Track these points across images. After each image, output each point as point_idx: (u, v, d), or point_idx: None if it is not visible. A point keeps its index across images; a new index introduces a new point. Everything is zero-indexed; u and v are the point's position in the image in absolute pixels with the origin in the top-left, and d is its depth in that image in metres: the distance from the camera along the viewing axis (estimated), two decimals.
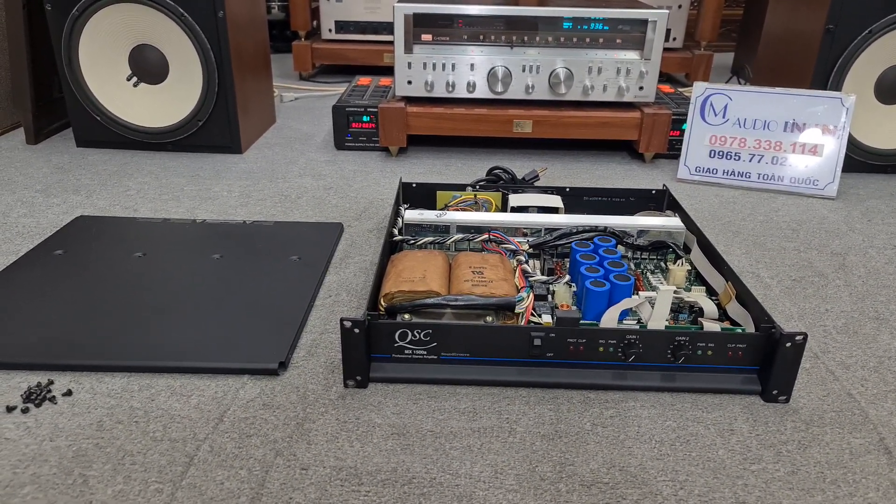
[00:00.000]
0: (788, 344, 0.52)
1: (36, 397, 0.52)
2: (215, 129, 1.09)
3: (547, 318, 0.58)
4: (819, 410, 0.54)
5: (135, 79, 1.08)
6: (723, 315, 0.61)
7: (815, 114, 0.99)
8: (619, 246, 0.70)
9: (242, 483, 0.45)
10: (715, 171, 1.04)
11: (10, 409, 0.51)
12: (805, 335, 0.52)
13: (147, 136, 1.09)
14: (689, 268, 0.68)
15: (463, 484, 0.46)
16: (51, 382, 0.54)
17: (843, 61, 1.02)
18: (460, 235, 0.71)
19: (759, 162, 1.02)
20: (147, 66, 1.07)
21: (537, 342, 0.54)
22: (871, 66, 1.03)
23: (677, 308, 0.62)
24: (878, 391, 0.57)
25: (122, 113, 1.08)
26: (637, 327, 0.57)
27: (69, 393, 0.53)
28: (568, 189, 0.83)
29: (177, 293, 0.66)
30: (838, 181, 0.98)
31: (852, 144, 1.05)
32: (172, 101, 1.08)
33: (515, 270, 0.64)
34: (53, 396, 0.52)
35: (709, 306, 0.60)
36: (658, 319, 0.57)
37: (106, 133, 1.10)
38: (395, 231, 0.72)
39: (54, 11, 1.02)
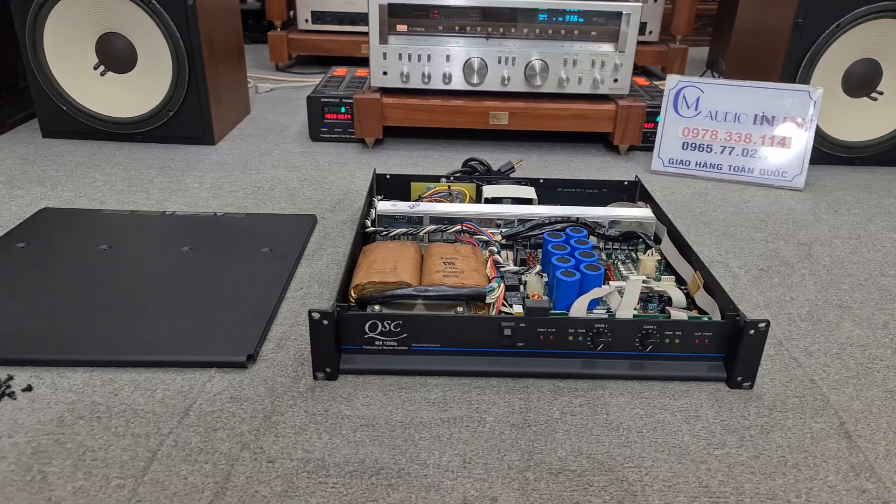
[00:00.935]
0: (752, 331, 0.53)
1: None
2: (187, 119, 1.07)
3: (518, 309, 0.58)
4: (782, 396, 0.55)
5: (102, 67, 1.05)
6: (691, 304, 0.62)
7: (784, 107, 1.00)
8: (590, 236, 0.70)
9: (207, 477, 0.44)
10: (688, 163, 1.05)
11: None
12: (767, 322, 0.53)
13: (115, 127, 1.07)
14: (660, 258, 0.69)
15: (431, 474, 0.46)
16: (10, 378, 0.52)
17: (811, 55, 1.03)
18: (433, 227, 0.71)
19: (730, 154, 1.03)
20: (115, 55, 1.04)
21: (508, 332, 0.54)
22: (839, 60, 1.05)
23: (647, 297, 0.63)
24: (840, 377, 0.58)
25: (90, 103, 1.06)
26: (606, 316, 0.57)
27: (29, 388, 0.51)
28: (542, 180, 0.83)
29: (143, 286, 0.65)
30: (806, 173, 1.00)
31: (820, 137, 1.07)
32: (141, 90, 1.06)
33: (487, 261, 0.64)
34: (13, 392, 0.51)
35: (677, 295, 0.61)
36: (626, 308, 0.57)
37: (73, 123, 1.07)
38: (368, 222, 0.71)
39: None
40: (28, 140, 1.08)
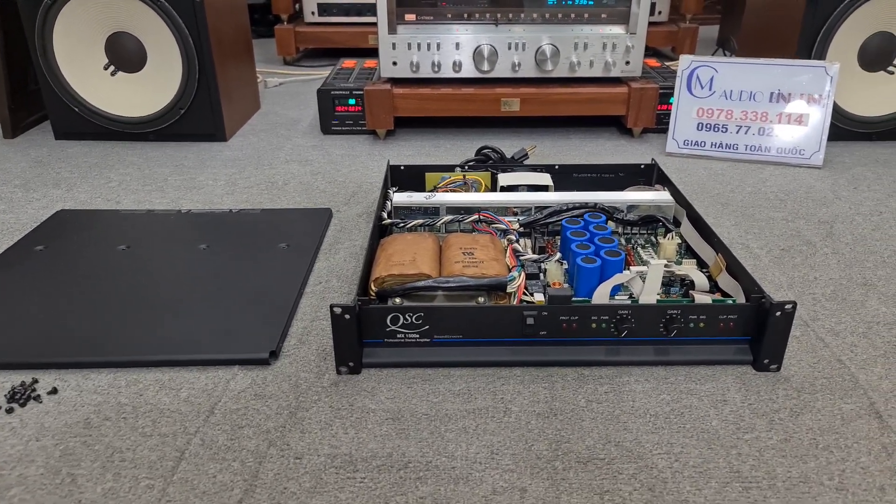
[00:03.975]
0: (778, 313, 0.52)
1: (20, 397, 0.51)
2: (198, 116, 1.07)
3: (539, 297, 0.57)
4: (810, 378, 0.54)
5: (112, 67, 1.05)
6: (714, 287, 0.61)
7: (800, 83, 0.98)
8: (609, 221, 0.69)
9: (235, 475, 0.45)
10: (703, 144, 1.04)
11: None
12: (794, 303, 0.52)
13: (128, 127, 1.07)
14: (680, 241, 0.68)
15: (459, 466, 0.45)
16: (35, 381, 0.53)
17: (826, 30, 1.01)
18: (450, 217, 0.70)
19: (746, 133, 1.02)
20: (124, 54, 1.04)
21: (530, 321, 0.54)
22: (854, 34, 1.03)
23: (668, 282, 0.62)
24: (868, 356, 0.57)
25: (101, 103, 1.06)
26: (629, 302, 0.56)
27: (54, 391, 0.52)
28: (557, 166, 0.82)
29: (163, 286, 0.65)
30: (824, 150, 0.98)
31: (837, 113, 1.05)
32: (152, 89, 1.06)
33: (506, 250, 0.63)
34: (38, 395, 0.51)
35: (700, 279, 0.60)
36: (650, 294, 0.56)
37: (85, 124, 1.07)
38: (384, 215, 0.71)
39: (26, 1, 0.99)
40: (41, 142, 1.09)
